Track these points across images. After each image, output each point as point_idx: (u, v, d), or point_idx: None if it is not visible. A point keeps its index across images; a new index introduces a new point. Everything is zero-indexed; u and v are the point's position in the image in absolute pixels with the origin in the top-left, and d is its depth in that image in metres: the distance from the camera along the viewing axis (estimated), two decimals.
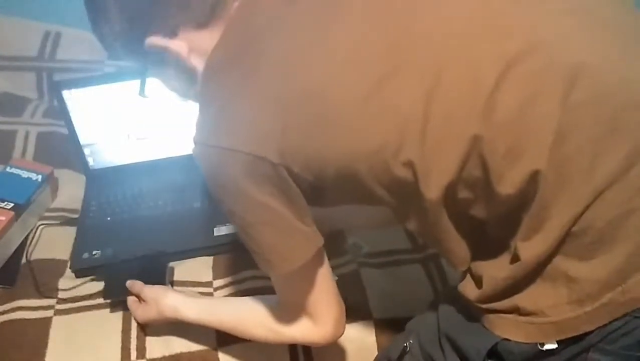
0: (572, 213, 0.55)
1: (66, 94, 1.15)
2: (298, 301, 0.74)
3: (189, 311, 0.90)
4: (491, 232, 0.63)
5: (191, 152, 0.66)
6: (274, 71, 0.61)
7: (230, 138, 0.61)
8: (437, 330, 0.70)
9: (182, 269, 1.10)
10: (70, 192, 1.25)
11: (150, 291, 0.96)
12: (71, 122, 1.18)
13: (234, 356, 0.98)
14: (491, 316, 0.63)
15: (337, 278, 1.06)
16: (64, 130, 1.24)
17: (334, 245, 1.14)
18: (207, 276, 1.09)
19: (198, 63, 0.67)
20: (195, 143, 0.64)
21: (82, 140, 1.21)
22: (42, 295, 1.03)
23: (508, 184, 0.56)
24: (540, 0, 0.61)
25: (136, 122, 1.21)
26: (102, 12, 0.67)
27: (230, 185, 0.63)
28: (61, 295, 1.05)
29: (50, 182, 1.22)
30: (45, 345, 0.97)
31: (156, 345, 0.98)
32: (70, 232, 1.15)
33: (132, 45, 0.68)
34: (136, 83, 1.14)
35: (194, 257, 1.13)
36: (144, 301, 0.97)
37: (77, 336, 0.99)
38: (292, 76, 0.60)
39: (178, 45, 0.66)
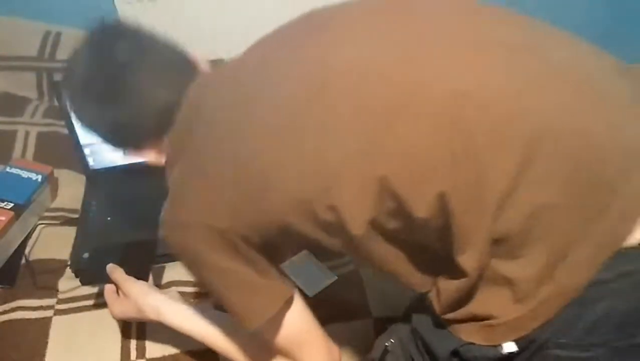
0: (485, 225, 0.59)
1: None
2: (282, 347, 0.79)
3: (173, 316, 0.88)
4: (435, 250, 0.66)
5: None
6: (210, 149, 0.70)
7: (184, 214, 0.70)
8: (412, 332, 0.73)
9: (182, 269, 1.09)
10: (70, 192, 1.25)
11: (132, 286, 0.92)
12: (71, 122, 1.18)
13: None
14: (453, 325, 0.67)
15: (337, 277, 1.06)
16: (64, 130, 1.24)
17: None
18: None
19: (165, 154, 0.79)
20: (161, 226, 0.73)
21: (82, 140, 1.21)
22: (41, 294, 1.03)
23: (422, 209, 0.61)
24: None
25: None
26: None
27: (194, 257, 0.71)
28: (61, 295, 1.05)
29: (50, 182, 1.22)
30: (45, 345, 0.97)
31: (156, 345, 0.98)
32: (70, 232, 1.15)
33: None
34: None
35: None
36: (122, 294, 0.94)
37: (77, 336, 0.99)
38: (224, 155, 0.68)
39: (148, 155, 0.80)
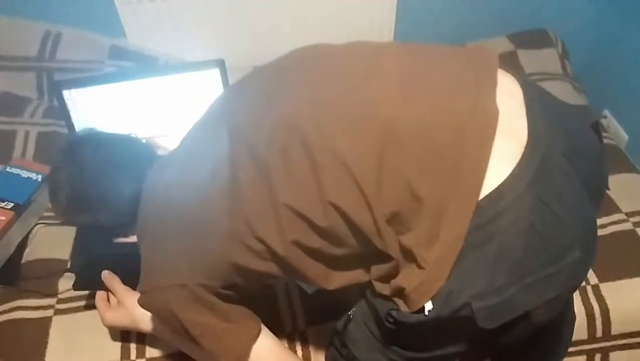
0: (376, 213, 0.69)
1: (66, 94, 1.15)
2: None
3: (145, 327, 0.92)
4: (360, 250, 0.75)
5: None
6: (160, 227, 0.81)
7: (151, 281, 0.80)
8: (367, 299, 0.78)
9: None
10: None
11: (127, 296, 0.92)
12: (71, 122, 1.18)
13: None
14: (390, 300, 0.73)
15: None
16: (64, 130, 1.24)
17: None
18: None
19: None
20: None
21: None
22: (41, 294, 1.03)
23: (322, 219, 0.71)
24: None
25: (136, 121, 1.21)
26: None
27: (169, 317, 0.79)
28: (61, 295, 1.05)
29: None
30: (45, 344, 0.97)
31: (156, 345, 0.98)
32: (70, 232, 1.15)
33: None
34: (136, 83, 1.15)
35: None
36: (116, 302, 0.94)
37: (77, 336, 0.99)
38: (170, 223, 0.80)
39: (132, 239, 0.88)
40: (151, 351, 0.97)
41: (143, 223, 0.84)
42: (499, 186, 0.64)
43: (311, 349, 0.99)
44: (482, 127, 0.66)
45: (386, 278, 0.72)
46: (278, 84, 0.79)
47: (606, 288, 1.07)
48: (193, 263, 0.77)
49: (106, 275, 0.96)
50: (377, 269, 0.73)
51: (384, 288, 0.73)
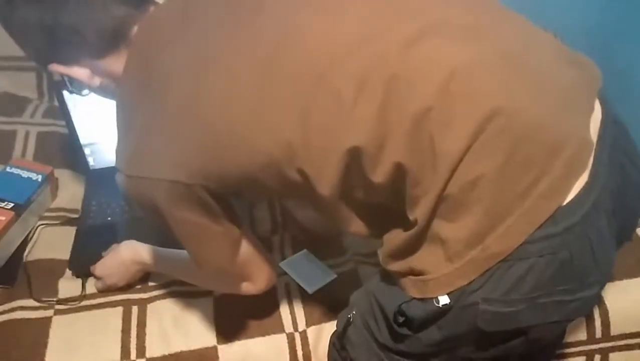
0: (436, 189, 0.64)
1: (66, 94, 1.15)
2: (236, 273, 0.86)
3: (147, 252, 0.98)
4: (388, 205, 0.72)
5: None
6: (175, 102, 0.70)
7: (146, 168, 0.71)
8: (369, 297, 0.77)
9: None
10: (70, 192, 1.26)
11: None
12: (71, 122, 1.18)
13: (233, 354, 0.98)
14: (398, 278, 0.72)
15: (336, 276, 1.07)
16: (64, 130, 1.24)
17: (332, 246, 1.14)
18: None
19: (106, 82, 0.78)
20: (117, 170, 0.74)
21: (82, 140, 1.21)
22: (36, 299, 1.03)
23: (380, 176, 0.67)
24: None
25: None
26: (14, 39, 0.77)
27: (152, 208, 0.73)
28: (61, 294, 1.05)
29: (50, 182, 1.22)
30: (45, 344, 0.97)
31: (156, 344, 0.98)
32: (70, 232, 1.15)
33: (44, 66, 0.78)
34: None
35: None
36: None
37: (77, 336, 0.99)
38: (189, 107, 0.69)
39: (79, 72, 0.76)
40: (151, 351, 0.97)
41: (134, 82, 0.73)
42: (555, 212, 0.63)
43: (311, 349, 0.99)
44: (575, 155, 0.64)
45: (402, 253, 0.71)
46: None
47: (606, 288, 1.07)
48: (199, 162, 0.70)
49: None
50: (396, 236, 0.71)
51: (394, 265, 0.72)
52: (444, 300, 0.66)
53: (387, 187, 0.68)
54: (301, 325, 1.02)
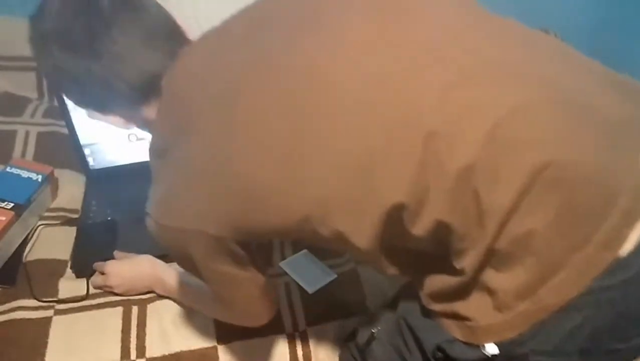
0: (484, 243, 0.62)
1: None
2: (254, 311, 0.87)
3: (166, 271, 0.99)
4: (430, 253, 0.69)
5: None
6: (205, 152, 0.68)
7: (176, 217, 0.70)
8: (399, 319, 0.76)
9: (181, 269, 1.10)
10: (70, 192, 1.25)
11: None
12: (71, 122, 1.18)
13: (233, 354, 0.98)
14: (439, 316, 0.70)
15: (336, 276, 1.07)
16: (64, 130, 1.24)
17: None
18: None
19: (141, 127, 0.80)
20: (148, 215, 0.74)
21: (82, 140, 1.21)
22: (37, 299, 1.03)
23: (420, 230, 0.64)
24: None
25: None
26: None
27: (181, 254, 0.74)
28: (61, 295, 1.05)
29: (50, 182, 1.22)
30: (45, 344, 0.97)
31: (156, 344, 0.98)
32: (70, 232, 1.15)
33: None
34: None
35: None
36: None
37: (77, 336, 0.99)
38: (219, 158, 0.67)
39: (114, 120, 0.78)
40: (151, 351, 0.97)
41: (165, 130, 0.72)
42: (612, 263, 0.60)
43: (312, 349, 0.99)
44: (631, 204, 0.60)
45: (446, 296, 0.68)
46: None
47: None
48: (228, 215, 0.68)
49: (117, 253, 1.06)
50: (439, 280, 0.68)
51: (436, 306, 0.69)
52: (492, 349, 0.64)
53: (429, 239, 0.65)
54: (301, 325, 1.02)
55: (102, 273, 1.05)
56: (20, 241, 1.13)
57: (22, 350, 0.96)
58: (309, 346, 1.00)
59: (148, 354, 0.97)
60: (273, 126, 0.65)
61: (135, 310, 1.03)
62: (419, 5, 0.70)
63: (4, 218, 1.08)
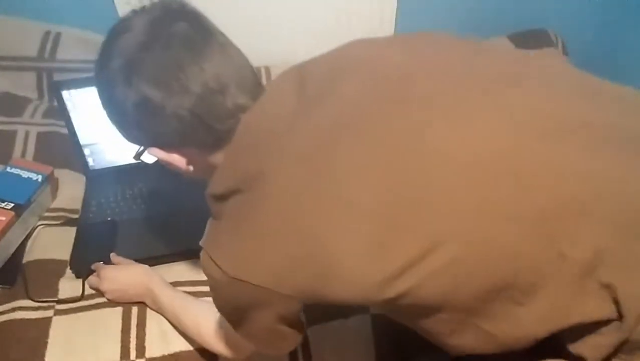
0: (620, 335, 0.59)
1: (65, 94, 1.15)
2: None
3: (161, 286, 0.98)
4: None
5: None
6: (289, 212, 0.64)
7: (250, 273, 0.65)
8: None
9: (182, 269, 1.10)
10: (70, 192, 1.25)
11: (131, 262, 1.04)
12: (71, 122, 1.18)
13: None
14: None
15: None
16: (64, 130, 1.24)
17: None
18: None
19: (201, 171, 0.76)
20: (204, 251, 0.70)
21: (82, 140, 1.21)
22: (32, 299, 1.03)
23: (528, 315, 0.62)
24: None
25: None
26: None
27: (238, 306, 0.70)
28: (61, 295, 1.05)
29: (50, 182, 1.22)
30: (45, 344, 0.97)
31: (155, 344, 0.98)
32: (70, 232, 1.15)
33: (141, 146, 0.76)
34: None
35: (194, 257, 1.13)
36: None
37: (77, 336, 0.99)
38: (295, 218, 0.64)
39: (177, 159, 0.75)
40: (151, 351, 0.97)
41: (244, 173, 0.68)
42: None
43: (312, 349, 0.99)
44: None
45: None
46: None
47: None
48: (306, 280, 0.64)
49: (113, 256, 1.05)
50: None
51: None
52: None
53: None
54: None
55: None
56: (20, 241, 1.13)
57: (22, 350, 0.96)
58: (309, 347, 0.99)
59: (148, 354, 0.97)
60: (371, 199, 0.62)
61: (135, 310, 1.03)
62: (528, 74, 0.70)
63: (4, 218, 1.08)
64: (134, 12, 0.69)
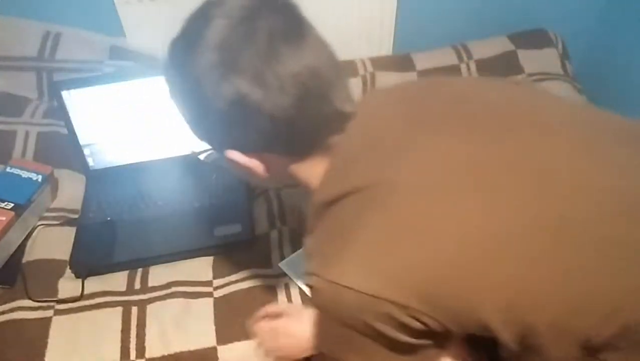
0: None
1: (65, 95, 1.15)
2: None
3: None
4: None
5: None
6: (404, 220, 0.61)
7: (366, 282, 0.60)
8: None
9: (182, 269, 1.10)
10: (70, 192, 1.25)
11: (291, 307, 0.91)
12: (71, 122, 1.18)
13: (233, 355, 0.98)
14: None
15: None
16: (64, 130, 1.24)
17: None
18: (207, 276, 1.09)
19: (277, 178, 0.71)
20: (315, 275, 0.63)
21: (82, 140, 1.21)
22: (31, 298, 1.03)
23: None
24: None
25: (136, 122, 1.21)
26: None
27: (345, 320, 0.63)
28: (61, 295, 1.05)
29: (50, 182, 1.22)
30: (45, 344, 0.97)
31: (155, 345, 0.98)
32: (70, 232, 1.15)
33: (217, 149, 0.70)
34: (136, 83, 1.14)
35: (194, 257, 1.13)
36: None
37: (77, 336, 0.99)
38: (425, 238, 0.60)
39: (256, 164, 0.68)
40: (151, 352, 0.97)
41: (339, 190, 0.64)
42: None
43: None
44: None
45: None
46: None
47: None
48: (435, 299, 0.60)
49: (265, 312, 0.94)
50: None
51: None
52: None
53: None
54: None
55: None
56: (20, 241, 1.13)
57: (22, 350, 0.97)
58: None
59: (148, 354, 0.97)
60: (498, 232, 0.60)
61: (134, 310, 1.03)
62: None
63: (4, 218, 1.08)
64: None
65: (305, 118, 0.63)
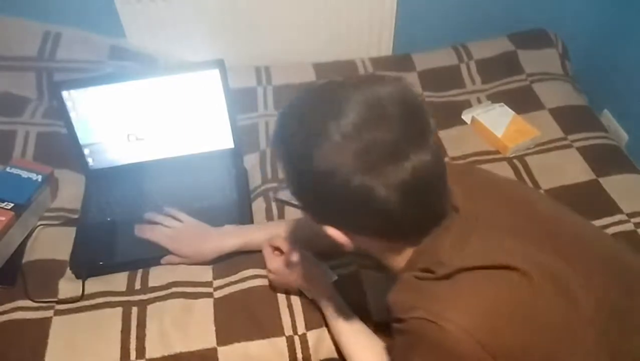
0: None
1: (65, 95, 1.15)
2: None
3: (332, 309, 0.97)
4: None
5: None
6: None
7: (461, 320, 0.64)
8: None
9: (183, 269, 1.10)
10: (70, 192, 1.25)
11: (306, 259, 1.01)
12: (71, 122, 1.18)
13: (233, 356, 0.98)
14: None
15: (337, 277, 1.06)
16: (64, 130, 1.24)
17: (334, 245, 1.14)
18: (207, 276, 1.09)
19: (360, 249, 0.75)
20: (422, 318, 0.66)
21: (82, 140, 1.21)
22: (31, 299, 1.03)
23: None
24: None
25: (136, 122, 1.21)
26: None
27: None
28: (61, 295, 1.05)
29: (50, 182, 1.22)
30: (45, 345, 0.97)
31: (155, 345, 0.98)
32: (70, 232, 1.15)
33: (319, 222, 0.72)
34: (136, 83, 1.14)
35: None
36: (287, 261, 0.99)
37: (77, 336, 0.99)
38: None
39: (347, 241, 0.72)
40: (151, 352, 0.97)
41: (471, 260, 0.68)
42: None
43: (311, 352, 0.99)
44: None
45: None
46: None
47: None
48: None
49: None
50: None
51: None
52: None
53: None
54: (301, 328, 1.01)
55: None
56: (20, 241, 1.13)
57: (22, 350, 0.97)
58: (308, 349, 0.99)
59: (148, 355, 0.97)
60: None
61: (134, 310, 1.03)
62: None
63: (4, 218, 1.08)
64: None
65: (408, 217, 0.67)
